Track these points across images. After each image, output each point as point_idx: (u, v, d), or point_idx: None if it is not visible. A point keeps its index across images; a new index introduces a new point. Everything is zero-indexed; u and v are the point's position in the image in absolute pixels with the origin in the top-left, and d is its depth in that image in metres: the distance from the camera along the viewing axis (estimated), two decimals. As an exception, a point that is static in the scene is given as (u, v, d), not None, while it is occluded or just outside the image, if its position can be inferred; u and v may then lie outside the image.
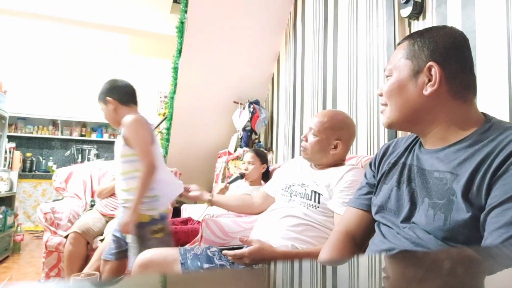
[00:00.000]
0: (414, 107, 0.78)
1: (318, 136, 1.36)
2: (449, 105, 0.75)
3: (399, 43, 0.83)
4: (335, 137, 1.36)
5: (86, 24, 4.32)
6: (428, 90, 0.75)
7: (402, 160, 0.85)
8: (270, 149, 3.22)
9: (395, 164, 0.86)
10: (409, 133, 0.91)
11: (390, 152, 0.92)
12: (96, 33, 5.17)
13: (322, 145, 1.35)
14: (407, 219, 0.77)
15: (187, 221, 2.22)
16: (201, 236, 1.59)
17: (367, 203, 0.93)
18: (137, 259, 1.31)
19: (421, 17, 1.54)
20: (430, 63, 0.75)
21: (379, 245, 0.81)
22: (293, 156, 2.76)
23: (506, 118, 1.14)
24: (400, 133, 1.58)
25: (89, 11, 4.16)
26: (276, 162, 3.09)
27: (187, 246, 1.42)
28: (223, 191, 2.18)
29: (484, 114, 0.77)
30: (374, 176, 0.94)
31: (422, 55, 0.76)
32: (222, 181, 2.82)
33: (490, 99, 1.21)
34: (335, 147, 1.36)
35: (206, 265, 1.26)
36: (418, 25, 1.56)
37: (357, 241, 0.93)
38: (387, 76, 0.82)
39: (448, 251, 0.63)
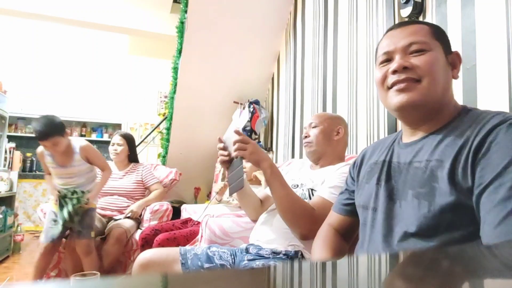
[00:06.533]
0: (448, 89, 0.75)
1: (321, 126, 1.42)
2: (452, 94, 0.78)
3: (399, 25, 0.80)
4: (336, 124, 1.44)
5: (86, 24, 4.32)
6: (457, 75, 0.76)
7: (382, 158, 0.84)
8: (270, 149, 3.22)
9: (375, 163, 0.85)
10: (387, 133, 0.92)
11: (369, 156, 0.91)
12: (96, 33, 5.17)
13: (326, 132, 1.41)
14: (387, 217, 0.75)
15: (187, 221, 2.22)
16: (201, 236, 1.59)
17: (348, 209, 0.96)
18: (137, 259, 1.31)
19: (421, 17, 1.54)
20: (455, 50, 0.77)
21: (364, 247, 0.82)
22: (293, 156, 2.76)
23: (506, 118, 1.14)
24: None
25: (89, 11, 4.16)
26: (276, 162, 3.09)
27: (187, 246, 1.42)
28: (222, 190, 2.18)
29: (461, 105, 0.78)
30: (353, 183, 0.95)
31: (444, 40, 0.77)
32: (222, 181, 2.82)
33: (490, 99, 1.21)
34: (338, 133, 1.42)
35: (206, 265, 1.27)
36: (418, 25, 1.56)
37: (344, 238, 0.98)
38: (416, 51, 0.74)
39: (446, 249, 0.62)
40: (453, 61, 0.77)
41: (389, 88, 0.76)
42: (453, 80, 1.31)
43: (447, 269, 0.34)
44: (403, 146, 0.80)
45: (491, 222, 0.58)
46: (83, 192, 2.10)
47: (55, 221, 2.10)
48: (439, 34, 0.77)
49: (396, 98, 0.74)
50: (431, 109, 0.74)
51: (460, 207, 0.64)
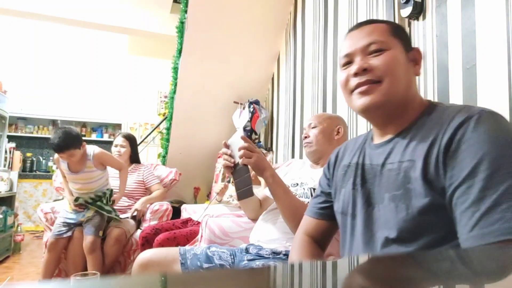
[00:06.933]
0: (410, 86, 0.75)
1: (320, 126, 1.42)
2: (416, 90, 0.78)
3: (358, 26, 0.79)
4: (335, 124, 1.44)
5: (86, 24, 4.32)
6: (419, 72, 0.76)
7: (355, 160, 0.82)
8: (270, 149, 3.22)
9: (348, 166, 0.84)
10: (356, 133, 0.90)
11: (341, 156, 0.90)
12: (96, 33, 5.17)
13: (326, 133, 1.41)
14: (367, 223, 0.73)
15: (187, 221, 2.22)
16: (201, 236, 1.59)
17: (322, 212, 0.93)
18: (137, 259, 1.31)
19: (421, 17, 1.54)
20: (415, 47, 0.77)
21: (347, 251, 0.80)
22: (293, 156, 2.76)
23: (506, 118, 1.13)
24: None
25: (89, 11, 4.16)
26: (276, 162, 3.09)
27: (187, 246, 1.42)
28: (223, 191, 2.18)
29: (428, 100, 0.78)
30: (328, 185, 0.92)
31: (404, 37, 0.77)
32: (222, 181, 2.82)
33: (490, 99, 1.21)
34: (338, 133, 1.43)
35: (206, 265, 1.27)
36: (418, 25, 1.56)
37: (319, 245, 0.94)
38: (375, 50, 0.73)
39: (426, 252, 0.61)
40: (414, 57, 0.77)
41: (352, 91, 0.75)
42: (453, 80, 1.30)
43: (412, 275, 0.34)
44: (373, 147, 0.79)
45: (465, 224, 0.57)
46: (104, 193, 2.22)
47: (64, 223, 2.18)
48: (398, 32, 0.76)
49: (359, 101, 0.74)
50: (395, 108, 0.73)
51: (438, 207, 0.63)
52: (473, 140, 0.60)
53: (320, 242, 0.95)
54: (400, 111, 0.74)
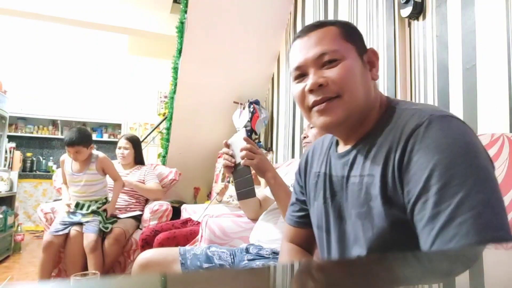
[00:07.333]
0: (369, 94, 0.70)
1: None
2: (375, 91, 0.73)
3: (306, 32, 0.72)
4: None
5: (86, 24, 4.33)
6: (376, 76, 0.72)
7: (323, 170, 0.78)
8: (270, 149, 3.22)
9: (318, 175, 0.80)
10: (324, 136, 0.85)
11: (311, 161, 0.86)
12: (96, 33, 5.17)
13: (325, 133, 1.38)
14: (340, 239, 0.72)
15: (186, 221, 2.22)
16: (201, 236, 1.59)
17: (300, 221, 0.89)
18: (137, 259, 1.31)
19: (421, 17, 1.54)
20: (370, 48, 0.73)
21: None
22: (293, 156, 2.76)
23: (506, 119, 1.14)
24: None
25: (89, 11, 4.16)
26: (276, 162, 3.09)
27: (187, 246, 1.42)
28: (223, 191, 2.18)
29: (387, 97, 0.74)
30: (302, 192, 0.89)
31: (357, 39, 0.72)
32: (222, 181, 2.82)
33: (490, 99, 1.21)
34: None
35: (205, 265, 1.27)
36: (418, 25, 1.56)
37: (307, 249, 0.92)
38: (329, 61, 0.68)
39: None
40: (370, 59, 0.72)
41: (310, 108, 0.70)
42: (453, 80, 1.29)
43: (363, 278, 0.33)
44: (337, 157, 0.75)
45: (424, 242, 0.56)
46: (101, 203, 2.31)
47: (62, 221, 2.20)
48: (349, 34, 0.71)
49: (318, 120, 0.69)
50: (356, 119, 0.70)
51: (402, 224, 0.60)
52: (422, 150, 0.58)
53: (306, 248, 0.91)
54: (360, 121, 0.70)
